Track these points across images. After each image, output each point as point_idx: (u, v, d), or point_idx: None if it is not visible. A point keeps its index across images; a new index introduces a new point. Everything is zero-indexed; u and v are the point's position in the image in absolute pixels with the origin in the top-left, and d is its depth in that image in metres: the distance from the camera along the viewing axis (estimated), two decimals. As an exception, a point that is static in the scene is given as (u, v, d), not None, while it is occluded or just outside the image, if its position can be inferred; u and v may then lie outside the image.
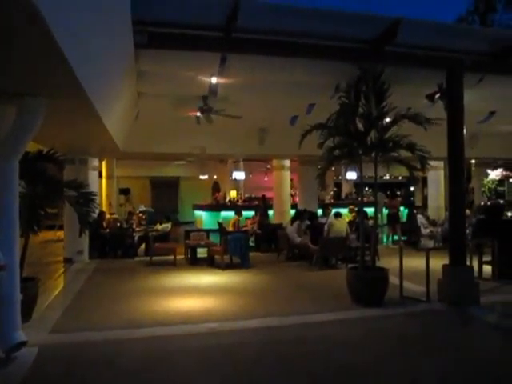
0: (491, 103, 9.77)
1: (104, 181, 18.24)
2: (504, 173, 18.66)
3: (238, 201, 17.94)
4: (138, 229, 12.39)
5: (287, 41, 6.33)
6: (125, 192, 20.87)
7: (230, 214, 13.88)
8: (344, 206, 15.97)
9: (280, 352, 4.85)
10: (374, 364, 4.53)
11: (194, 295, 7.41)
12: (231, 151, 12.85)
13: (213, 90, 7.67)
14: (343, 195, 21.91)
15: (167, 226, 11.77)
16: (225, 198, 19.15)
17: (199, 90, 8.12)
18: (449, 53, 6.96)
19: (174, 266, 10.04)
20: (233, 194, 18.87)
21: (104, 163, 17.82)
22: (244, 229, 12.39)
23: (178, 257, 10.48)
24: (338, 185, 24.68)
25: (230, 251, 9.86)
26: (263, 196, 16.88)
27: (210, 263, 10.16)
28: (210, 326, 5.69)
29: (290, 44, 6.34)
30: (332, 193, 21.20)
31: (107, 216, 13.08)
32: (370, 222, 10.43)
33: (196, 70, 7.22)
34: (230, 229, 11.78)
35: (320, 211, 12.78)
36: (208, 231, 11.94)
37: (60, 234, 11.54)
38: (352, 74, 6.85)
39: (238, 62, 6.82)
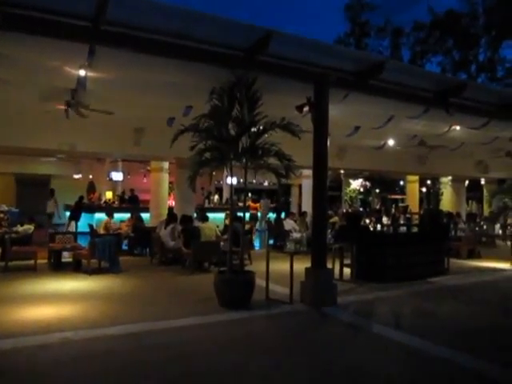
0: (356, 119, 10.57)
1: (-42, 177, 16.18)
2: (363, 183, 20.52)
3: (113, 202, 17.16)
4: (-6, 230, 11.14)
5: (161, 40, 6.18)
6: (-17, 190, 18.74)
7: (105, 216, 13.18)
8: (223, 211, 16.21)
9: (134, 361, 4.65)
10: (231, 367, 4.56)
11: (52, 302, 6.84)
12: (104, 150, 12.16)
13: (81, 83, 7.20)
14: (224, 200, 22.18)
15: (29, 227, 10.76)
16: (100, 199, 18.19)
17: (67, 82, 7.55)
18: (317, 68, 7.38)
19: (34, 271, 9.22)
20: (109, 195, 18.02)
21: (-42, 157, 15.82)
22: (118, 231, 11.89)
23: (41, 261, 9.66)
24: (220, 189, 24.94)
25: (98, 255, 9.33)
26: (132, 190, 16.51)
27: (76, 268, 9.52)
28: (64, 335, 5.29)
29: (164, 43, 6.21)
30: (214, 197, 21.35)
31: (-42, 216, 11.60)
32: (247, 227, 10.70)
33: (62, 61, 6.69)
34: (102, 231, 11.23)
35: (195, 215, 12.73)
36: (76, 234, 11.20)
37: None
38: (227, 79, 6.93)
39: (110, 56, 6.48)
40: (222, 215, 15.64)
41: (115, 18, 5.76)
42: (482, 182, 21.60)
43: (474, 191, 23.83)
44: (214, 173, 7.65)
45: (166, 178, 14.48)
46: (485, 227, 15.55)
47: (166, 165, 14.33)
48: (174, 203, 15.36)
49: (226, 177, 19.88)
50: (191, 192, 8.64)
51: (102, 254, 9.37)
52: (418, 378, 4.44)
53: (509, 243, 13.01)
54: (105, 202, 17.53)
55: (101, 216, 13.99)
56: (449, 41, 29.51)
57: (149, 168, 16.96)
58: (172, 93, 7.87)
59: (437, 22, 28.90)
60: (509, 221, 17.82)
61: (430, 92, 8.88)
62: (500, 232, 16.40)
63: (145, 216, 13.75)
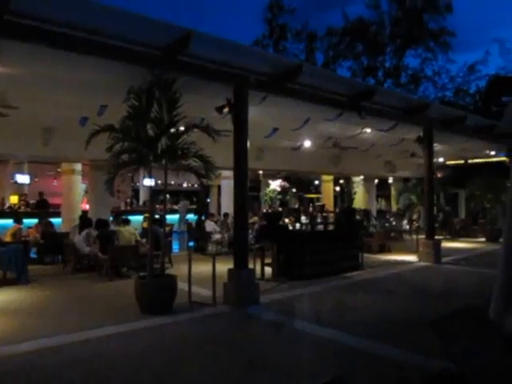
0: (274, 120, 10.77)
1: None
2: (282, 183, 21.05)
3: (19, 207, 15.92)
4: None
5: (73, 35, 5.82)
6: None
7: (10, 222, 12.16)
8: (140, 213, 15.72)
9: (48, 379, 4.35)
10: (153, 374, 4.43)
11: (-50, 320, 6.20)
12: (8, 151, 11.15)
13: (-19, 78, 6.58)
14: (141, 202, 21.55)
15: None
16: (3, 203, 16.76)
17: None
18: (236, 70, 7.41)
19: None
20: (13, 199, 16.70)
21: None
22: (26, 239, 11.05)
23: None
24: (137, 191, 24.20)
25: (3, 265, 8.59)
26: (40, 194, 15.57)
27: (-23, 281, 8.69)
28: (-33, 355, 4.81)
29: (76, 39, 5.85)
30: (129, 200, 20.65)
31: None
32: (167, 229, 10.44)
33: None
34: (8, 239, 10.36)
35: (111, 218, 12.21)
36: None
37: None
38: (145, 78, 6.71)
39: (15, 50, 5.98)
40: (139, 218, 15.17)
41: (21, 9, 5.33)
42: (390, 180, 23.09)
43: (382, 189, 25.38)
44: (131, 175, 7.37)
45: (78, 180, 13.71)
46: (394, 223, 16.60)
47: (78, 166, 13.56)
48: (87, 207, 14.64)
49: (143, 178, 19.31)
50: (106, 195, 8.27)
51: (8, 264, 8.64)
52: (336, 368, 4.60)
53: (414, 237, 14.00)
54: (9, 206, 16.20)
55: (5, 222, 12.91)
56: (358, 46, 31.08)
57: (59, 170, 15.98)
58: (85, 91, 7.46)
59: (348, 28, 30.30)
60: (414, 216, 19.26)
61: (344, 96, 9.29)
62: (407, 227, 17.62)
63: (56, 221, 12.92)
